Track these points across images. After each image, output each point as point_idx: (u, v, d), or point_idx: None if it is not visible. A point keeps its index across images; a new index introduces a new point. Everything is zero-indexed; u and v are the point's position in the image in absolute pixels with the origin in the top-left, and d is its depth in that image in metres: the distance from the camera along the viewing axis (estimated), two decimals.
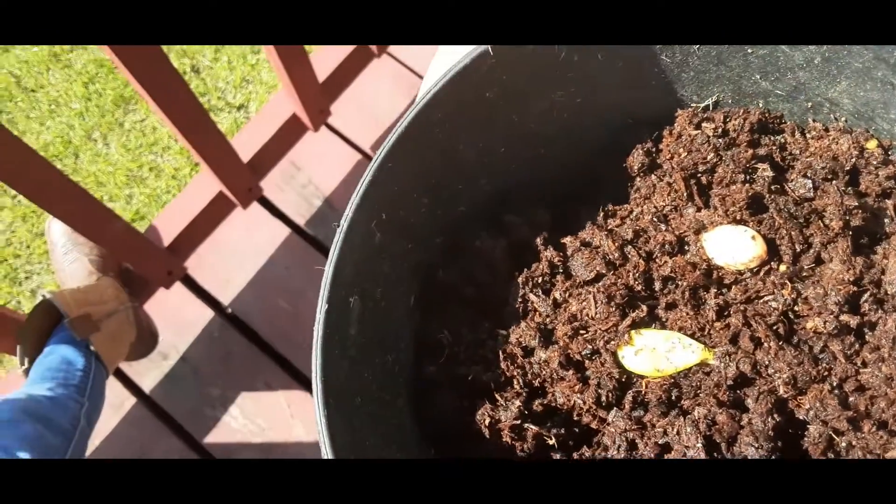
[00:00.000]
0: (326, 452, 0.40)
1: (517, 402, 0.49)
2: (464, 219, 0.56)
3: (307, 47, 1.55)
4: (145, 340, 1.24)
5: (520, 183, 0.57)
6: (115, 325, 1.17)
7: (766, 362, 0.50)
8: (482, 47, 0.46)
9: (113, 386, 1.30)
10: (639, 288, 0.53)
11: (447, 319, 0.53)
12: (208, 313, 1.35)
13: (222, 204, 1.38)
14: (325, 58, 1.44)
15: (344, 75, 1.49)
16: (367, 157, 1.50)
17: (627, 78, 0.53)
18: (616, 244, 0.54)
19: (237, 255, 1.39)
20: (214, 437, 1.29)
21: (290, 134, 1.45)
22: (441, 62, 0.51)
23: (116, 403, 1.29)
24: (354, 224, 0.44)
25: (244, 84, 1.74)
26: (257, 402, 1.30)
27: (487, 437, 0.49)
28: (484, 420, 0.49)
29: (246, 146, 1.40)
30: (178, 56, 1.78)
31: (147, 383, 1.30)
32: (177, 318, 1.34)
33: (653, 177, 0.56)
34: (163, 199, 1.59)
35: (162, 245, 1.32)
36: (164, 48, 1.77)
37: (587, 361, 0.52)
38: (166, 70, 1.04)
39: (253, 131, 1.43)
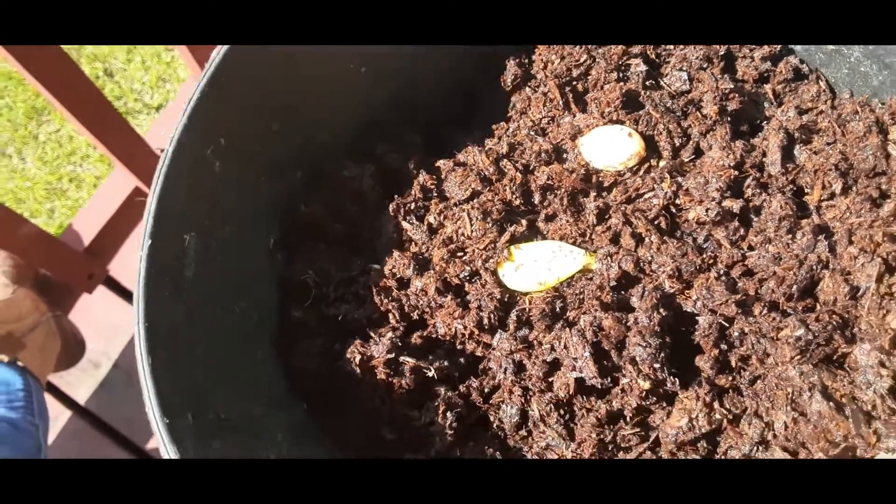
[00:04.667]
0: (152, 407, 0.36)
1: (389, 335, 0.46)
2: (329, 149, 0.52)
3: None
4: (71, 350, 1.19)
5: (392, 106, 0.53)
6: (40, 337, 1.12)
7: (649, 258, 0.47)
8: None
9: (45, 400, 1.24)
10: (517, 202, 0.50)
11: (314, 258, 0.50)
12: None
13: (140, 200, 1.33)
14: None
15: None
16: None
17: None
18: (491, 159, 0.51)
19: None
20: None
21: None
22: None
23: (52, 417, 1.23)
24: (183, 148, 0.40)
25: (161, 83, 1.68)
26: None
27: (360, 377, 0.45)
28: (354, 358, 0.45)
29: (161, 139, 1.35)
30: (90, 60, 1.71)
31: (81, 394, 1.25)
32: (104, 323, 1.28)
33: (527, 89, 0.53)
34: None
35: (81, 248, 1.27)
36: (74, 54, 1.71)
37: (467, 284, 0.48)
38: (72, 72, 1.01)
39: (166, 123, 1.38)
